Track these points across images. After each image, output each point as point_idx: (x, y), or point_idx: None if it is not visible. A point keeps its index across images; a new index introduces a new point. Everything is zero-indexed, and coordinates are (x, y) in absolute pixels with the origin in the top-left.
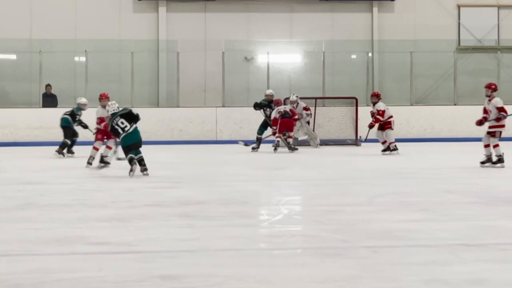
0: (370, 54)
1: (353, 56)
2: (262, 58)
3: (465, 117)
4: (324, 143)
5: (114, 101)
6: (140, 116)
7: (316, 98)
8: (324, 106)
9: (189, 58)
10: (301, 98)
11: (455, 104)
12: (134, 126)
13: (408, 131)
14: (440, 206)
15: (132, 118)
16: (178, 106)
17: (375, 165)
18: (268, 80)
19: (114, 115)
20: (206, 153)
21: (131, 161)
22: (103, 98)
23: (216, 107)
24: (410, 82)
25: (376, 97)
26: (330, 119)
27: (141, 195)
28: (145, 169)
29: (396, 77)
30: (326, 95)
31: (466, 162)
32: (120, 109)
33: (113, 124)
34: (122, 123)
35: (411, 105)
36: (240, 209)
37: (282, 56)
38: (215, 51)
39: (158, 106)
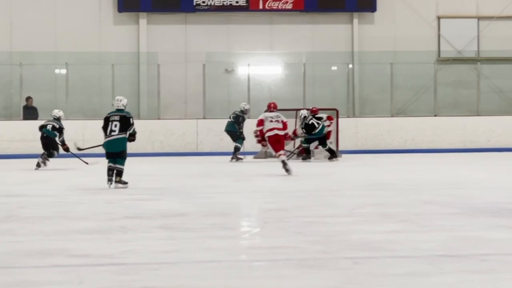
0: (350, 66)
1: (334, 68)
2: (242, 70)
3: (446, 128)
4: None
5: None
6: (136, 130)
7: (296, 110)
8: None
9: (169, 70)
10: (280, 110)
11: (435, 115)
12: (122, 135)
13: (388, 143)
14: (420, 217)
15: (127, 126)
16: (159, 118)
17: (356, 177)
18: (249, 92)
19: (113, 112)
20: (187, 165)
21: (109, 171)
22: None
23: (197, 119)
24: (390, 93)
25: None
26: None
27: (122, 207)
28: (120, 182)
29: (377, 88)
30: (307, 107)
31: (447, 173)
32: (122, 107)
33: (107, 120)
34: (116, 126)
35: (392, 116)
36: (221, 221)
37: (263, 68)
38: (195, 63)
39: (139, 118)
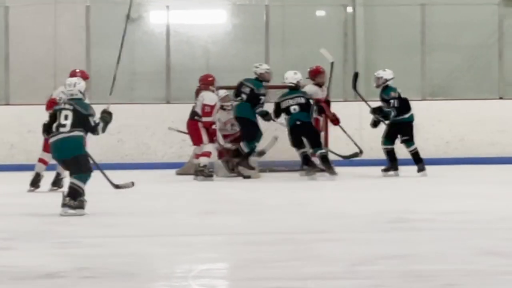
0: (350, 9)
1: (320, 13)
2: (157, 17)
3: None
4: (270, 167)
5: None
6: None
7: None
8: (268, 102)
9: (26, 17)
10: (221, 88)
11: (500, 98)
12: (78, 133)
13: (417, 145)
14: (479, 281)
15: (82, 122)
16: (7, 104)
17: (359, 206)
18: (168, 55)
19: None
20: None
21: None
22: None
23: None
24: (420, 58)
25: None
26: (279, 126)
27: None
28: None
29: (396, 49)
30: (273, 83)
31: None
32: (77, 96)
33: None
34: (66, 117)
35: (423, 99)
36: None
37: (193, 14)
38: (73, 4)
39: None
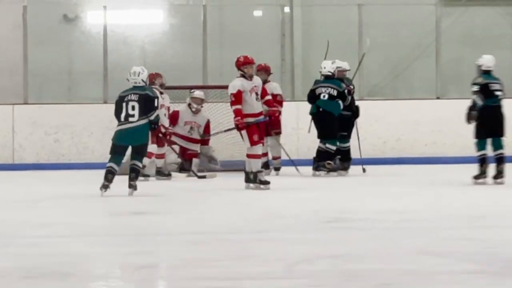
0: (287, 9)
1: (257, 13)
2: (94, 17)
3: (456, 120)
4: (208, 167)
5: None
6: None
7: (190, 88)
8: (206, 102)
9: None
10: (169, 88)
11: (438, 98)
12: (145, 120)
13: (353, 145)
14: (416, 280)
15: (149, 107)
16: None
17: (296, 205)
18: (105, 56)
19: (128, 91)
20: None
21: (109, 174)
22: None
23: (13, 104)
24: (357, 59)
25: (265, 72)
26: (216, 126)
27: None
28: (133, 186)
29: (334, 50)
30: (210, 82)
31: (460, 199)
32: (139, 84)
33: (121, 102)
34: (133, 107)
35: (361, 99)
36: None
37: (131, 14)
38: (10, 4)
39: None
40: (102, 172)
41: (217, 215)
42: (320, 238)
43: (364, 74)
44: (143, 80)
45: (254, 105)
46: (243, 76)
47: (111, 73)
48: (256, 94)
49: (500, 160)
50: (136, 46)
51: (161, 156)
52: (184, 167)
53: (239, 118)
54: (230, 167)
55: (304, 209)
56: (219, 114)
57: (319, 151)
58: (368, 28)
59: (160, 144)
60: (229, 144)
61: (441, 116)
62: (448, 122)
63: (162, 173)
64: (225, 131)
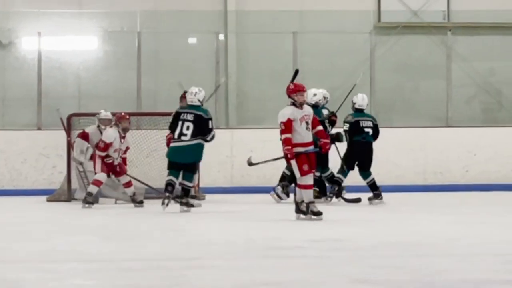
0: (221, 36)
1: (192, 40)
2: (28, 43)
3: (399, 147)
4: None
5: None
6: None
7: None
8: (139, 129)
9: None
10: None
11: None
12: (197, 140)
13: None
14: None
15: (203, 127)
16: None
17: (230, 233)
18: (40, 82)
19: (185, 108)
20: None
21: (168, 186)
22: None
23: None
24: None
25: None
26: (150, 153)
27: None
28: (186, 204)
29: (268, 77)
30: (144, 109)
31: (391, 226)
32: (195, 103)
33: (177, 119)
34: (188, 128)
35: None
36: None
37: (65, 40)
38: None
39: None
40: (36, 199)
41: (150, 242)
42: (255, 265)
43: None
44: (199, 100)
45: (304, 135)
46: (293, 104)
47: (45, 99)
48: (307, 123)
49: (372, 186)
50: (71, 72)
51: (128, 184)
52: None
53: (289, 147)
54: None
55: (238, 236)
56: (151, 141)
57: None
58: (302, 56)
59: (118, 174)
60: (151, 169)
61: (376, 143)
62: (384, 149)
63: (135, 201)
64: (274, 160)
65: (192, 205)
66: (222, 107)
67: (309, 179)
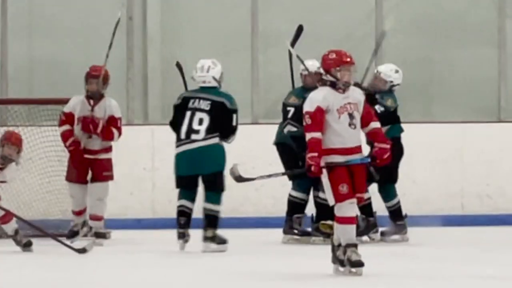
0: None
1: None
2: None
3: None
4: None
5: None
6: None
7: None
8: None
9: None
10: None
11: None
12: (215, 139)
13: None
14: None
15: (223, 126)
16: None
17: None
18: None
19: (195, 92)
20: None
21: (182, 216)
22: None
23: None
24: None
25: (99, 82)
26: (25, 162)
27: None
28: (214, 240)
29: (211, 39)
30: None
31: None
32: (210, 84)
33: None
34: (201, 121)
35: (253, 122)
36: None
37: None
38: None
39: None
40: None
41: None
42: None
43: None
44: (214, 79)
45: (345, 135)
46: (332, 84)
47: None
48: (351, 116)
49: (397, 211)
50: None
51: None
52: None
53: (314, 155)
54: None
55: None
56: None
57: (318, 203)
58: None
59: None
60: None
61: None
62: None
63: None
64: (282, 175)
65: (224, 241)
66: (137, 90)
67: (349, 209)
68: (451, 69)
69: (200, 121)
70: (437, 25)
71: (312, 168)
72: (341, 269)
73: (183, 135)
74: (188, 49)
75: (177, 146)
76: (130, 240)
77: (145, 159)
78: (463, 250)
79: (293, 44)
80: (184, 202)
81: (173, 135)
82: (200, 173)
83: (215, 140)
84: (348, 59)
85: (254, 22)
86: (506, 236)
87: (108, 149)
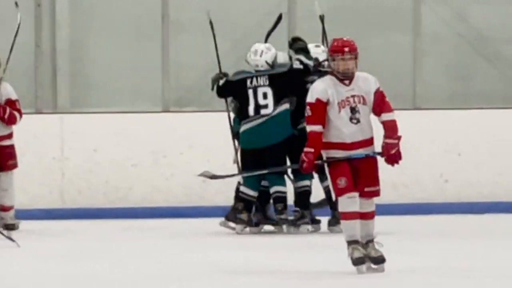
0: None
1: None
2: None
3: None
4: None
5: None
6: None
7: None
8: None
9: None
10: None
11: None
12: (284, 107)
13: None
14: None
15: (292, 87)
16: None
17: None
18: None
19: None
20: None
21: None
22: None
23: None
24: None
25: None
26: None
27: None
28: (286, 220)
29: (126, 27)
30: None
31: None
32: (263, 68)
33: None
34: (265, 95)
35: (164, 110)
36: None
37: None
38: None
39: None
40: None
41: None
42: None
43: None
44: (267, 63)
45: (345, 130)
46: (333, 74)
47: None
48: (353, 110)
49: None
50: None
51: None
52: None
53: (310, 150)
54: None
55: None
56: None
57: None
58: None
59: None
60: None
61: None
62: None
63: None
64: (232, 176)
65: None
66: (46, 77)
67: (348, 204)
68: (366, 55)
69: (265, 95)
70: (353, 11)
71: (304, 164)
72: (363, 268)
73: (252, 113)
74: (99, 36)
75: (244, 124)
76: (39, 230)
77: (54, 148)
78: (383, 240)
79: (270, 32)
80: (246, 189)
81: (83, 124)
82: (270, 143)
83: (285, 106)
84: (340, 46)
85: (164, 8)
86: (422, 226)
87: (11, 135)
